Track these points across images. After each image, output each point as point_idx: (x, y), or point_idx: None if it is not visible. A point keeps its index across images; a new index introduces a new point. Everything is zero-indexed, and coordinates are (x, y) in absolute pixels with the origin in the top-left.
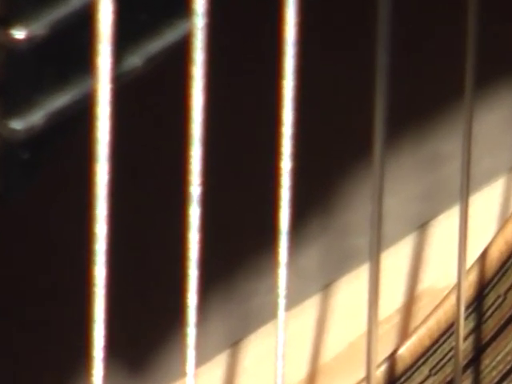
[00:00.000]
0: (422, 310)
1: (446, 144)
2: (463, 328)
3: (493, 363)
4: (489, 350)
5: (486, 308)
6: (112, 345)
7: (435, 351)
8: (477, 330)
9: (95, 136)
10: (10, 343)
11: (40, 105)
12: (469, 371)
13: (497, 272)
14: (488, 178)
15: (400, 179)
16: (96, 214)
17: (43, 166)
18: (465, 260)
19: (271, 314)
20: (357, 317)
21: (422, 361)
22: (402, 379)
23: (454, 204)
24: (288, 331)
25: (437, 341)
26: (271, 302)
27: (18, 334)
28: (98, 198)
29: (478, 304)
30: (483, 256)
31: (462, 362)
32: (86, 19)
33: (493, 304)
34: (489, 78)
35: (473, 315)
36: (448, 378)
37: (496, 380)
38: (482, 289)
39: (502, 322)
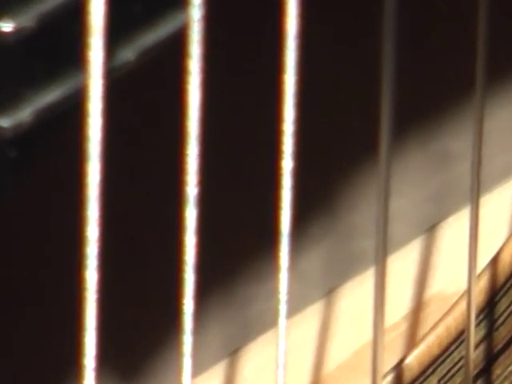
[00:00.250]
0: (430, 316)
1: (456, 142)
2: (474, 336)
3: (505, 373)
4: (501, 358)
5: (497, 315)
6: (104, 353)
7: (444, 360)
8: (488, 337)
9: (86, 134)
10: (10, 343)
11: (28, 101)
12: (479, 381)
13: (509, 277)
14: (500, 178)
15: (407, 179)
16: (87, 215)
17: (32, 165)
18: (475, 264)
19: (272, 321)
20: (362, 324)
21: (430, 370)
22: None
23: (464, 205)
24: (289, 339)
25: (446, 349)
26: (272, 309)
27: (15, 334)
28: (89, 199)
29: (489, 310)
30: (495, 260)
31: (473, 371)
32: (76, 11)
33: (505, 310)
34: (501, 73)
35: (484, 322)
36: None
37: None
38: (494, 294)
39: None
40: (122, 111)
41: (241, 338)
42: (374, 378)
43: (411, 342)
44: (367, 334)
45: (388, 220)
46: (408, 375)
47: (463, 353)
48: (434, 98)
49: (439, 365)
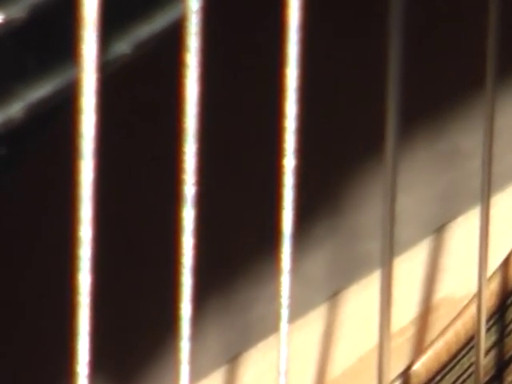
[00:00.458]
0: (438, 321)
1: (465, 139)
2: (484, 341)
3: None
4: None
5: (509, 319)
6: (98, 360)
7: (453, 367)
8: (499, 343)
9: (79, 130)
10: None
11: (19, 95)
12: None
13: None
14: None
15: (415, 178)
16: (80, 215)
17: (22, 163)
18: (486, 266)
19: (273, 326)
20: (367, 329)
21: (438, 377)
22: None
23: (474, 205)
24: (291, 345)
25: (455, 356)
26: (273, 313)
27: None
28: (82, 198)
29: (500, 315)
30: (506, 262)
31: (483, 378)
32: (69, 1)
33: None
34: None
35: (495, 327)
36: None
37: None
38: (505, 298)
39: None
40: (116, 107)
41: (241, 344)
42: None
43: (419, 347)
44: (373, 339)
45: (395, 220)
46: (415, 382)
47: (473, 359)
48: (442, 93)
49: (448, 372)
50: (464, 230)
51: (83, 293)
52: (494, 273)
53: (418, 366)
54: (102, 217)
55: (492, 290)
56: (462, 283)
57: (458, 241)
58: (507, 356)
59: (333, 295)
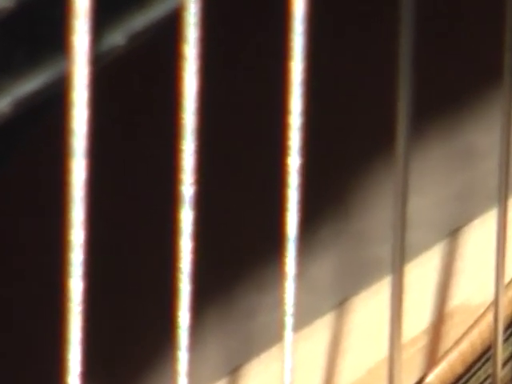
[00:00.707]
0: (453, 330)
1: (481, 138)
2: (502, 352)
3: None
4: None
5: None
6: (91, 371)
7: (469, 379)
8: None
9: (70, 127)
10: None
11: (7, 90)
12: None
13: None
14: None
15: (427, 178)
16: (72, 218)
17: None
18: (503, 272)
19: (277, 336)
20: (377, 339)
21: None
22: None
23: (491, 207)
24: (296, 355)
25: (471, 367)
26: (277, 321)
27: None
28: (73, 199)
29: None
30: None
31: None
32: None
33: None
34: None
35: None
36: None
37: None
38: None
39: None
40: (110, 102)
41: (242, 354)
42: None
43: (432, 358)
44: (383, 350)
45: (406, 223)
46: None
47: (490, 371)
48: (456, 89)
49: None
50: (480, 233)
51: (75, 300)
52: None
53: (431, 379)
54: (94, 219)
55: (510, 297)
56: (478, 290)
57: (473, 245)
58: None
59: (340, 303)
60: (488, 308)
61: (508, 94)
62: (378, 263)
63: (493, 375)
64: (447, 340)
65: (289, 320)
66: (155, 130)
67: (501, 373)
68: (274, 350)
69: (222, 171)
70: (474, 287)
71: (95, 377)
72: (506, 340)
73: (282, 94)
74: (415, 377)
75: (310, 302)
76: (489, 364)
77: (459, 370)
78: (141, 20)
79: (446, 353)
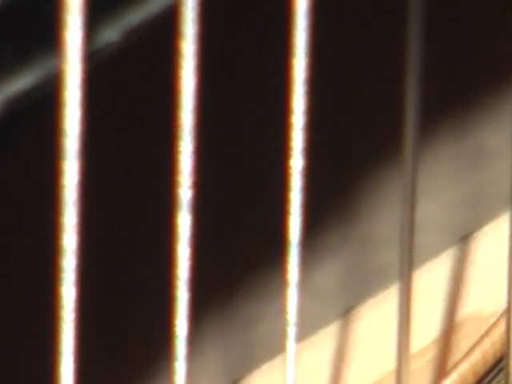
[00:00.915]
0: (463, 340)
1: (493, 138)
2: None
3: None
4: None
5: None
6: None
7: None
8: None
9: (62, 127)
10: None
11: None
12: None
13: None
14: None
15: (436, 181)
16: (64, 222)
17: None
18: None
19: (279, 346)
20: (384, 349)
21: None
22: None
23: (503, 211)
24: (300, 366)
25: (482, 379)
26: (279, 331)
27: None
28: (66, 202)
29: None
30: None
31: None
32: None
33: None
34: None
35: None
36: None
37: None
38: None
39: None
40: (104, 101)
41: (243, 366)
42: None
43: (441, 370)
44: (390, 361)
45: (414, 228)
46: None
47: (502, 383)
48: (466, 89)
49: None
50: (492, 238)
51: (67, 308)
52: None
53: None
54: (87, 224)
55: None
56: (490, 298)
57: (485, 251)
58: None
59: (346, 311)
60: (500, 317)
61: None
62: (386, 269)
63: None
64: (458, 351)
65: (292, 329)
66: (151, 130)
67: None
68: (276, 361)
69: (221, 173)
70: (485, 295)
71: None
72: None
73: (285, 92)
74: None
75: (313, 311)
76: (501, 375)
77: (470, 381)
78: (136, 15)
79: (457, 364)
